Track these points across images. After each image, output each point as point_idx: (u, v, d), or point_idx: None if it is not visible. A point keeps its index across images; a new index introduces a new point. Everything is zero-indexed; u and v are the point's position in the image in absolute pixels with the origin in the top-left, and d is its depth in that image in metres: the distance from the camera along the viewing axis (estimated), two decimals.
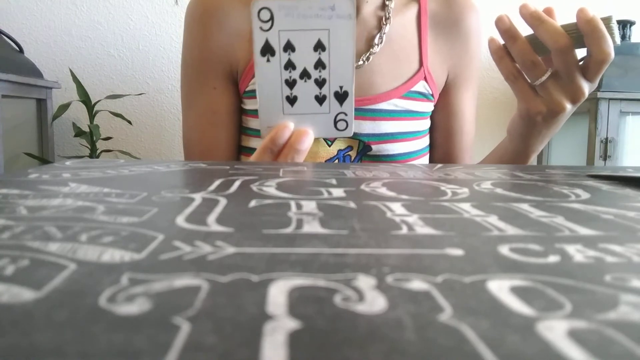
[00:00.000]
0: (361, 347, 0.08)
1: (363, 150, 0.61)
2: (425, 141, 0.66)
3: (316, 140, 0.59)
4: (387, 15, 0.60)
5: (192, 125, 0.64)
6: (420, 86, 0.62)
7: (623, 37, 1.60)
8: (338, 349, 0.08)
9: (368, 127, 0.59)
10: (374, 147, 0.60)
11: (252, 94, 0.61)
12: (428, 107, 0.64)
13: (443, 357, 0.08)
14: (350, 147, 0.61)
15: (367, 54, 0.60)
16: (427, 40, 0.63)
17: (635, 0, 1.80)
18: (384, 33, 0.60)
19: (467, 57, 0.66)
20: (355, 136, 0.59)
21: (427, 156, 0.68)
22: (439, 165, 0.40)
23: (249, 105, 0.62)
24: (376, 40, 0.60)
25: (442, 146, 0.68)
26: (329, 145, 0.60)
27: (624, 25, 1.58)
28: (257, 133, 0.62)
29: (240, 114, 0.65)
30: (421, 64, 0.63)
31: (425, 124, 0.65)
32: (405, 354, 0.08)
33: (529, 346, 0.08)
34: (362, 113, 0.59)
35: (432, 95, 0.64)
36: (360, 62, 0.59)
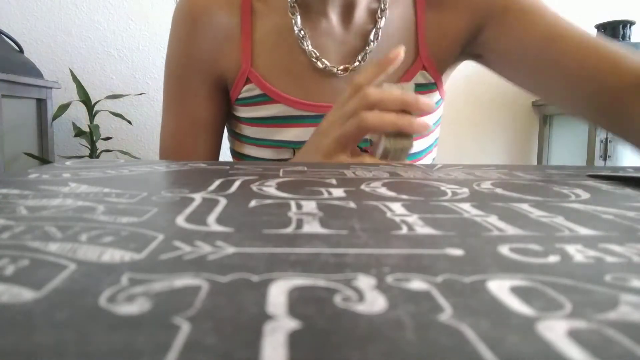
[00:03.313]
0: (361, 347, 0.08)
1: None
2: (432, 138, 0.62)
3: None
4: (382, 7, 0.56)
5: (169, 132, 0.61)
6: (420, 77, 0.58)
7: (623, 37, 1.60)
8: (338, 349, 0.08)
9: None
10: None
11: (245, 102, 0.58)
12: (432, 99, 0.59)
13: (443, 357, 0.08)
14: None
15: (363, 54, 0.56)
16: (425, 21, 0.57)
17: (635, 0, 1.80)
18: (380, 27, 0.56)
19: None
20: None
21: (434, 151, 0.63)
22: (439, 165, 0.40)
23: (242, 112, 0.59)
24: (372, 37, 0.56)
25: (579, 88, 0.48)
26: None
27: (624, 25, 1.58)
28: (250, 140, 0.60)
29: (224, 122, 0.62)
30: (418, 52, 0.57)
31: (432, 118, 0.60)
32: (405, 354, 0.08)
33: (529, 346, 0.08)
34: None
35: (435, 83, 0.59)
36: (357, 63, 0.56)
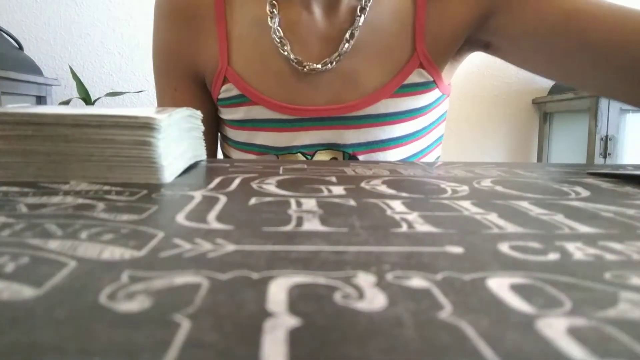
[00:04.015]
0: (361, 344, 0.08)
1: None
2: (431, 138, 0.58)
3: (294, 155, 0.53)
4: (362, 5, 0.51)
5: None
6: (416, 76, 0.53)
7: None
8: (338, 346, 0.08)
9: (351, 136, 0.52)
10: (361, 157, 0.53)
11: (225, 102, 0.56)
12: (430, 97, 0.54)
13: (443, 354, 0.08)
14: (335, 159, 0.53)
15: (346, 46, 0.51)
16: (425, 12, 0.52)
17: (635, 0, 1.79)
18: (356, 28, 0.51)
19: None
20: (338, 147, 0.53)
21: (437, 149, 0.59)
22: (439, 162, 0.40)
23: (224, 114, 0.57)
24: (347, 35, 0.50)
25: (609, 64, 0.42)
26: (309, 159, 0.54)
27: None
28: (235, 145, 0.57)
29: (212, 123, 0.60)
30: (414, 48, 0.52)
31: (430, 117, 0.56)
32: (405, 351, 0.08)
33: (529, 343, 0.08)
34: (343, 122, 0.52)
35: (434, 81, 0.54)
36: (329, 65, 0.51)
